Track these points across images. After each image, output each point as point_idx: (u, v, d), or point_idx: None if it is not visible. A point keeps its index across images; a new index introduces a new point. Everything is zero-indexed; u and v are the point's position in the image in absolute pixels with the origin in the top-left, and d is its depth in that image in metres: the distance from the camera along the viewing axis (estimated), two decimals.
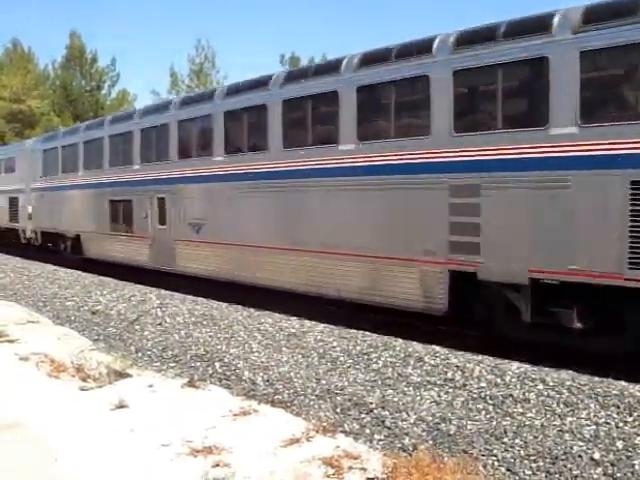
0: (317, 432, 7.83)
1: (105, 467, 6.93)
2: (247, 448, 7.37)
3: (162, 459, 7.13)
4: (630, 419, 8.10)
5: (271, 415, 8.66)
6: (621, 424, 8.03)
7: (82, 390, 9.86)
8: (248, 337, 12.94)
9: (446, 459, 7.25)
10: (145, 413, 8.71)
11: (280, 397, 9.84)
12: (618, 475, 7.09)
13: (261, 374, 10.83)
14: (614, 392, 8.72)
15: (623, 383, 9.09)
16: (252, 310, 15.24)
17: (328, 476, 6.55)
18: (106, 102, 54.56)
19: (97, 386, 10.03)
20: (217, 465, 6.90)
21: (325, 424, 8.32)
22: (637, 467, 7.16)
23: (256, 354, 11.89)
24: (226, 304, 16.08)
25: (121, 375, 10.58)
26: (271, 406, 9.16)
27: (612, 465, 7.25)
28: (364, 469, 6.70)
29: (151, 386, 10.07)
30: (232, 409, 8.82)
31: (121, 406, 8.91)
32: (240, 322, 14.05)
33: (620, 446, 7.57)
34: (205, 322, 14.35)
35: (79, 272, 23.29)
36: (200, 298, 17.00)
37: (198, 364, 11.79)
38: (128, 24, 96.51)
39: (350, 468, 6.72)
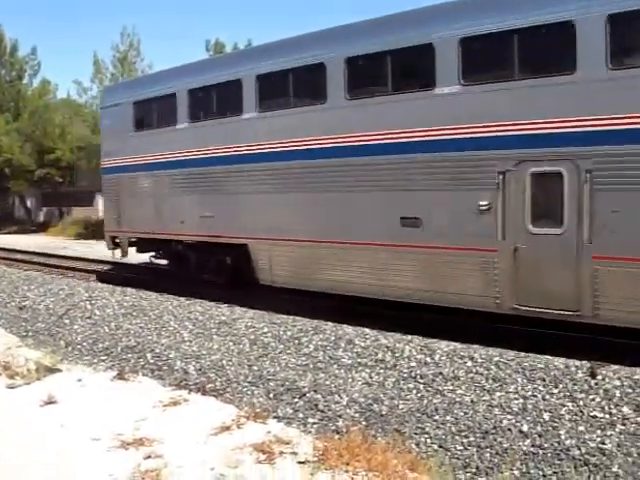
0: (248, 419, 7.81)
1: (35, 464, 6.75)
2: (178, 438, 7.31)
3: (93, 453, 7.01)
4: (556, 391, 8.31)
5: (202, 404, 8.60)
6: (547, 396, 8.24)
7: (10, 388, 9.61)
8: (179, 326, 12.76)
9: (378, 439, 7.31)
10: (75, 408, 8.55)
11: (212, 385, 9.73)
12: (546, 445, 7.31)
13: (193, 363, 10.69)
14: (540, 366, 8.92)
15: (548, 357, 9.32)
16: (182, 299, 15.01)
17: (260, 462, 6.53)
18: (27, 92, 52.77)
19: (25, 383, 9.79)
20: (149, 457, 6.84)
21: (258, 410, 8.29)
22: (563, 437, 7.39)
23: (187, 343, 11.73)
24: (156, 294, 15.79)
25: (50, 371, 10.36)
26: (202, 395, 9.09)
27: (540, 436, 7.48)
28: (295, 453, 6.71)
29: (80, 380, 9.91)
30: (162, 400, 8.73)
31: (50, 402, 8.75)
32: (170, 312, 13.83)
33: (547, 417, 7.78)
34: (135, 313, 14.07)
35: (5, 268, 22.52)
36: (129, 289, 16.64)
37: (129, 356, 11.55)
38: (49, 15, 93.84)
39: (281, 453, 6.72)
